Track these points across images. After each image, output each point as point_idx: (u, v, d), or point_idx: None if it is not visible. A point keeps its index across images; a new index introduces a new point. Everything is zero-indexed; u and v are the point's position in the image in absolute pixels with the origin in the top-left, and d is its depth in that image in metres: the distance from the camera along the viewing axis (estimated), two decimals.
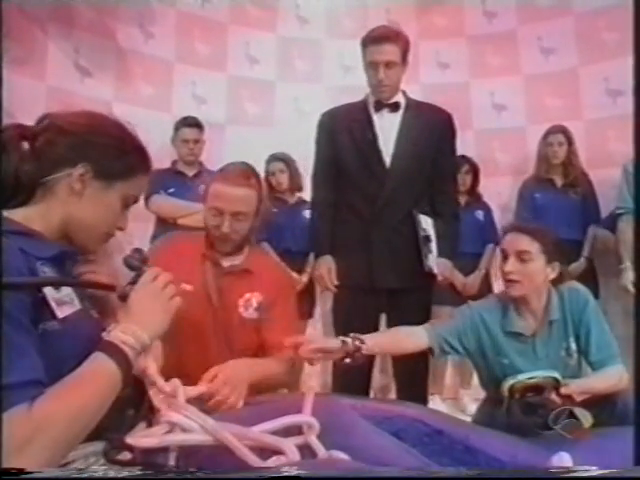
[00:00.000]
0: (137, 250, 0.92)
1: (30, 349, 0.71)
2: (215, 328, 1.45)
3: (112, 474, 0.69)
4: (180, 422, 0.89)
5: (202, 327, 1.43)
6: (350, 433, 1.01)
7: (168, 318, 0.87)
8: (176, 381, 0.93)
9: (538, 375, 1.36)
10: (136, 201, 0.96)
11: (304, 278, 2.87)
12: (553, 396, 1.30)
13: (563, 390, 1.31)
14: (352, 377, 1.99)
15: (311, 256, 2.88)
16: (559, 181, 2.84)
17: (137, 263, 0.90)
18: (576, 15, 3.15)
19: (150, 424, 0.89)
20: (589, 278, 2.66)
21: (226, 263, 1.52)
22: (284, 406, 1.02)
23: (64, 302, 0.79)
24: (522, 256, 1.50)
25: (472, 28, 3.39)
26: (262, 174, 3.00)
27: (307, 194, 2.98)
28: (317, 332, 3.06)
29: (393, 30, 1.95)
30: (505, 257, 1.54)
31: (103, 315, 0.92)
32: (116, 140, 0.90)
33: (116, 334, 0.80)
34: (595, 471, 0.73)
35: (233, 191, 1.44)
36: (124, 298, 0.86)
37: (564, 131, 2.81)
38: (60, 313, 0.78)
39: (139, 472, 0.74)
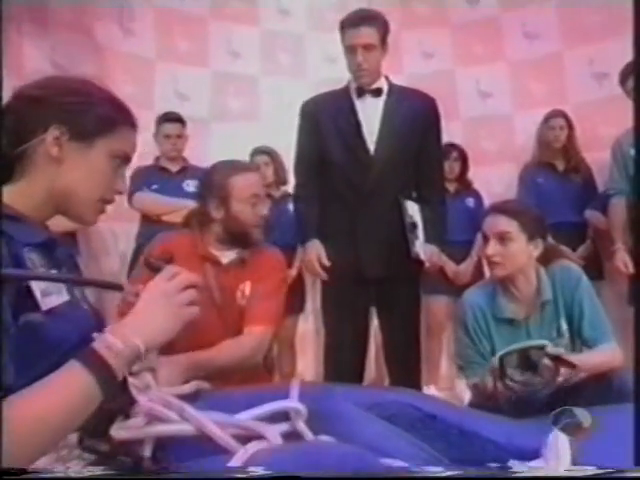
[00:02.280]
0: (161, 249, 0.85)
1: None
2: (221, 326, 1.45)
3: (112, 474, 0.65)
4: (158, 413, 0.85)
5: (209, 328, 1.38)
6: (340, 419, 0.98)
7: (176, 326, 0.75)
8: (147, 375, 0.89)
9: (527, 343, 1.32)
10: (128, 159, 0.88)
11: (293, 272, 2.83)
12: (546, 361, 1.26)
13: (550, 350, 1.27)
14: (345, 369, 1.96)
15: (299, 250, 2.85)
16: (560, 165, 2.84)
17: (157, 263, 0.80)
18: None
19: (127, 416, 0.85)
20: (593, 259, 2.67)
21: (225, 259, 1.53)
22: (270, 393, 0.99)
23: (50, 292, 0.74)
24: (502, 237, 1.48)
25: (455, 17, 3.37)
26: None
27: (292, 187, 2.96)
28: (309, 326, 3.03)
29: (370, 12, 1.92)
30: (486, 240, 1.52)
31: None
32: (84, 95, 0.84)
33: (104, 337, 0.71)
34: (594, 470, 0.71)
35: (256, 175, 1.60)
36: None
37: (564, 115, 2.81)
38: (44, 305, 0.73)
39: (133, 473, 0.71)
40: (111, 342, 0.70)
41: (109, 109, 0.85)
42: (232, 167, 1.54)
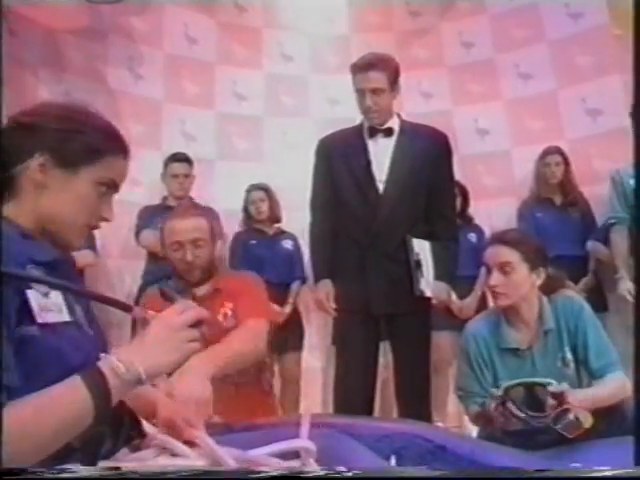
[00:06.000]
0: (175, 280, 0.86)
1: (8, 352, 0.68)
2: None
3: (112, 474, 0.66)
4: (170, 444, 0.86)
5: None
6: (349, 459, 0.98)
7: (178, 360, 0.79)
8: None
9: (532, 380, 1.31)
10: (116, 187, 0.89)
11: (286, 309, 2.82)
12: (550, 400, 1.23)
13: (551, 388, 1.24)
14: (355, 402, 1.95)
15: (293, 286, 2.88)
16: (558, 200, 2.90)
17: (171, 293, 0.84)
18: (549, 42, 3.26)
19: (138, 447, 0.85)
20: (595, 292, 2.67)
21: (199, 292, 1.62)
22: (281, 430, 0.99)
23: (49, 309, 0.75)
24: (504, 267, 1.49)
25: (451, 59, 3.50)
26: (242, 204, 2.99)
27: (286, 225, 3.01)
28: (318, 362, 3.01)
29: (379, 57, 1.97)
30: (488, 271, 1.54)
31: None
32: (74, 123, 0.85)
33: (109, 359, 0.73)
34: (595, 471, 0.71)
35: (186, 222, 1.62)
36: (145, 325, 0.80)
37: (560, 152, 2.88)
38: (40, 319, 0.73)
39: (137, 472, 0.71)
40: (115, 365, 0.73)
41: (97, 137, 0.85)
42: (173, 212, 1.70)
